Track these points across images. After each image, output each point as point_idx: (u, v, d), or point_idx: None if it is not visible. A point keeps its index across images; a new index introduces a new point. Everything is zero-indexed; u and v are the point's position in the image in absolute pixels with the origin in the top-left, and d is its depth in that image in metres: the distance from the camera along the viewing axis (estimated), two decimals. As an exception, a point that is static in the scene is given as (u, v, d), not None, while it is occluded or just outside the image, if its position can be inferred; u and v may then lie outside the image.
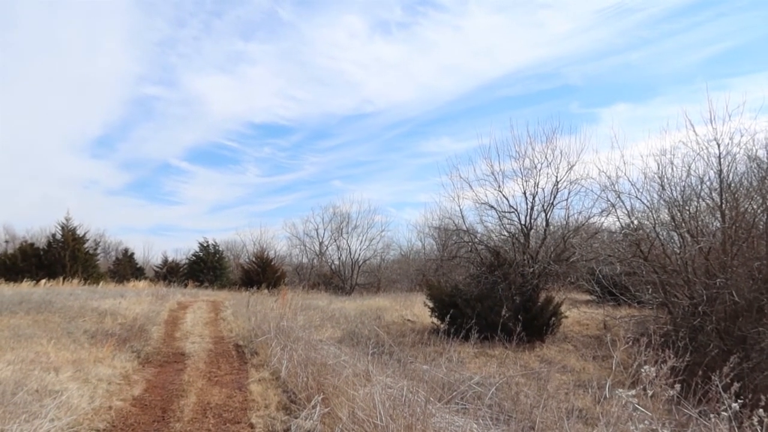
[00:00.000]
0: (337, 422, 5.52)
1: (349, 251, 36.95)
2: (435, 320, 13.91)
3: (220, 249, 37.30)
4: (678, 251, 10.52)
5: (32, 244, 30.32)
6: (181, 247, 68.20)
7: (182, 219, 69.63)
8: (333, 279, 35.50)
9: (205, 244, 36.12)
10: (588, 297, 18.18)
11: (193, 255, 36.34)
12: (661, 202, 11.26)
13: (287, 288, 18.14)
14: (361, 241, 37.16)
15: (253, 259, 33.01)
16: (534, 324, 11.95)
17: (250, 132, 70.71)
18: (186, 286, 28.19)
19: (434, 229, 34.20)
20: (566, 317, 13.61)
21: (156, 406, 6.88)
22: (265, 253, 33.58)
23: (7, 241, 38.50)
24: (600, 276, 14.09)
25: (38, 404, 5.87)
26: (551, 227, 14.87)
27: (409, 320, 14.87)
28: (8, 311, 12.82)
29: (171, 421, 6.26)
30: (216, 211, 69.35)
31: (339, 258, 37.33)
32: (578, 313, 15.49)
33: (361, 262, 36.69)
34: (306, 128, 70.39)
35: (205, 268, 34.44)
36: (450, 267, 21.09)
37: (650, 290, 11.26)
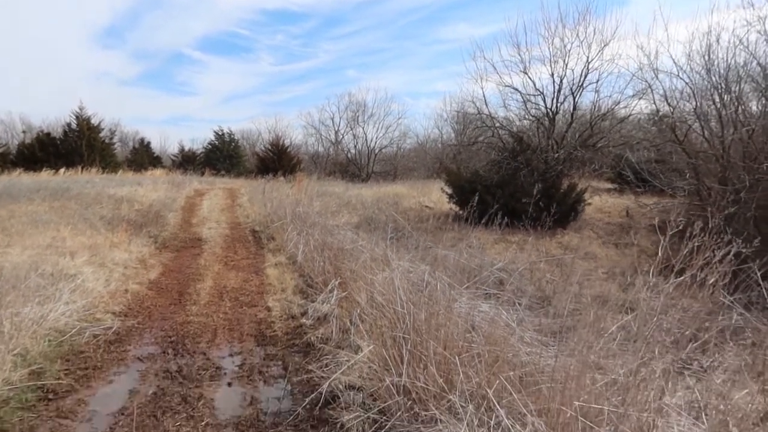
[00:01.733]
0: (355, 306, 5.38)
1: (366, 139, 36.36)
2: (453, 207, 13.66)
3: (236, 138, 36.95)
4: (719, 135, 9.83)
5: (48, 134, 30.18)
6: (198, 137, 67.80)
7: (197, 110, 68.59)
8: (349, 167, 35.22)
9: (220, 133, 35.73)
10: (610, 185, 17.70)
11: (208, 144, 36.12)
12: (705, 82, 10.39)
13: (303, 175, 17.93)
14: (378, 129, 36.42)
15: (269, 147, 32.66)
16: (556, 211, 11.60)
17: (263, 19, 67.43)
18: (203, 174, 28.15)
19: (453, 116, 33.19)
20: (589, 204, 13.26)
21: (172, 290, 6.83)
22: (281, 140, 33.11)
23: (24, 132, 38.37)
24: (627, 163, 13.52)
25: (53, 288, 5.80)
26: (579, 111, 14.05)
27: (426, 206, 14.66)
28: (26, 198, 12.81)
29: (187, 304, 6.21)
30: (231, 101, 67.99)
31: (355, 146, 36.82)
32: (600, 201, 15.12)
33: (377, 151, 36.17)
34: (319, 14, 66.78)
35: (221, 157, 34.28)
36: (469, 154, 20.53)
37: (685, 176, 10.70)
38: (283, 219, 10.60)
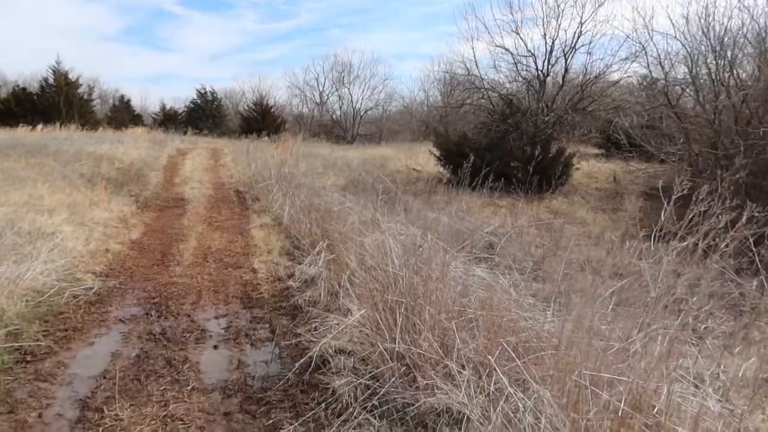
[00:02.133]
0: (344, 269, 5.26)
1: (351, 100, 35.78)
2: (441, 170, 13.49)
3: (219, 97, 36.10)
4: (713, 100, 9.72)
5: (24, 89, 29.19)
6: (180, 96, 65.95)
7: (179, 68, 66.54)
8: (334, 129, 34.74)
9: (203, 92, 34.88)
10: (597, 150, 17.64)
11: (191, 102, 35.24)
12: (702, 46, 10.21)
13: (288, 135, 17.59)
14: (363, 91, 35.84)
15: (253, 107, 32.01)
16: (544, 175, 11.53)
17: None
18: (185, 133, 27.52)
19: (441, 78, 32.67)
20: (578, 169, 13.18)
21: (155, 250, 6.65)
22: (265, 100, 32.46)
23: (-1, 86, 37.06)
24: (616, 128, 13.43)
25: (30, 246, 5.59)
26: (570, 74, 13.84)
27: (414, 169, 14.48)
28: (1, 154, 12.37)
29: (170, 264, 6.05)
30: (213, 59, 66.02)
31: (341, 108, 36.25)
32: (587, 166, 15.06)
33: (362, 113, 35.68)
34: None
35: (204, 116, 33.54)
36: (456, 117, 20.29)
37: (679, 141, 10.60)
38: (268, 180, 10.38)
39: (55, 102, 27.30)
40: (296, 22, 64.37)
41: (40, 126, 23.36)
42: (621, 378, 2.23)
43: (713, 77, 9.79)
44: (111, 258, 6.06)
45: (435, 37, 65.62)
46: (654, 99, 11.56)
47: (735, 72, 10.07)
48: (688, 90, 10.75)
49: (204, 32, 65.85)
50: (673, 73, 11.01)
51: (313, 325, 4.29)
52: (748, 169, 7.53)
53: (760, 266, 3.70)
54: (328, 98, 37.18)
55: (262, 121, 28.35)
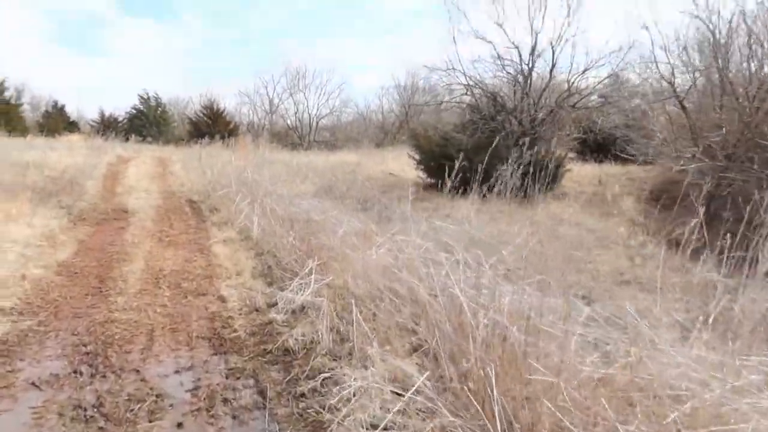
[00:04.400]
0: (347, 295, 4.02)
1: (307, 106, 34.41)
2: (421, 174, 12.33)
3: (163, 103, 33.91)
4: (719, 96, 8.96)
5: (-66, 92, 26.43)
6: (120, 105, 62.18)
7: (119, 77, 62.11)
8: (288, 136, 33.24)
9: (145, 97, 32.58)
10: (572, 154, 17.02)
11: (132, 108, 32.85)
12: (704, 33, 9.49)
13: (244, 139, 16.14)
14: (319, 96, 34.54)
15: (203, 110, 30.17)
16: (535, 177, 10.59)
17: None
18: (127, 140, 25.38)
19: (398, 83, 31.92)
20: (569, 170, 12.34)
21: (90, 275, 5.18)
22: (214, 104, 30.62)
23: None
24: (595, 128, 12.76)
25: None
26: (556, 69, 12.90)
27: (391, 174, 13.30)
28: None
29: (110, 294, 4.62)
30: (156, 68, 62.02)
31: (296, 114, 34.79)
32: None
33: (318, 119, 34.40)
34: None
35: (147, 123, 31.28)
36: (418, 121, 19.31)
37: (673, 139, 9.87)
38: (228, 187, 8.99)
39: (-25, 106, 24.76)
40: (242, 30, 61.37)
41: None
42: None
43: (721, 72, 9.03)
44: (28, 287, 4.58)
45: (383, 49, 63.88)
46: (659, 93, 10.75)
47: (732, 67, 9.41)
48: (700, 79, 9.98)
49: (144, 39, 61.84)
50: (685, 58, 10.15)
51: (319, 381, 3.04)
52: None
53: None
54: (278, 106, 35.65)
55: (213, 125, 26.52)
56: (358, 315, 3.49)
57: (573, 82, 12.34)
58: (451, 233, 5.63)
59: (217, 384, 3.11)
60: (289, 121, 34.99)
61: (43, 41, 54.66)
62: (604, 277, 6.01)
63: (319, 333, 3.69)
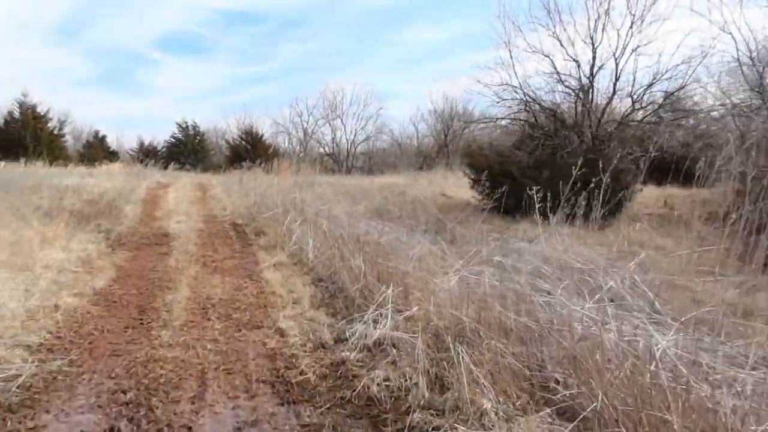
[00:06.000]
0: (440, 331, 3.27)
1: (344, 131, 34.24)
2: (476, 195, 11.50)
3: (201, 131, 34.13)
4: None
5: (-17, 124, 26.94)
6: (158, 136, 63.28)
7: (157, 111, 63.15)
8: (325, 161, 33.00)
9: (184, 126, 32.84)
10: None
11: (171, 137, 33.14)
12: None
13: (285, 162, 15.74)
14: (357, 121, 34.36)
15: (242, 135, 30.21)
16: (604, 198, 9.74)
17: (219, 18, 62.33)
18: (165, 168, 25.36)
19: (433, 109, 31.56)
20: (641, 190, 11.39)
21: (129, 304, 4.56)
22: (253, 128, 30.68)
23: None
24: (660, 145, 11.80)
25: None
26: (619, 83, 11.98)
27: (444, 195, 12.58)
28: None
29: (153, 327, 3.97)
30: (192, 101, 62.64)
31: (333, 140, 34.63)
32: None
33: (358, 143, 34.22)
34: (277, 16, 61.83)
35: (186, 151, 31.43)
36: (458, 146, 18.61)
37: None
38: (273, 209, 8.39)
39: (21, 137, 25.10)
40: (275, 64, 61.54)
41: (2, 163, 21.06)
42: None
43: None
44: (60, 319, 3.96)
45: (413, 78, 63.15)
46: (734, 108, 9.79)
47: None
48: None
49: (182, 76, 62.35)
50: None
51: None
52: None
53: None
54: (314, 133, 35.51)
55: (252, 150, 26.43)
56: (464, 355, 2.74)
57: (638, 97, 11.46)
58: (533, 256, 4.87)
59: (291, 448, 2.39)
60: (325, 147, 34.82)
61: (85, 80, 56.04)
62: (716, 309, 5.14)
63: (409, 377, 2.95)
